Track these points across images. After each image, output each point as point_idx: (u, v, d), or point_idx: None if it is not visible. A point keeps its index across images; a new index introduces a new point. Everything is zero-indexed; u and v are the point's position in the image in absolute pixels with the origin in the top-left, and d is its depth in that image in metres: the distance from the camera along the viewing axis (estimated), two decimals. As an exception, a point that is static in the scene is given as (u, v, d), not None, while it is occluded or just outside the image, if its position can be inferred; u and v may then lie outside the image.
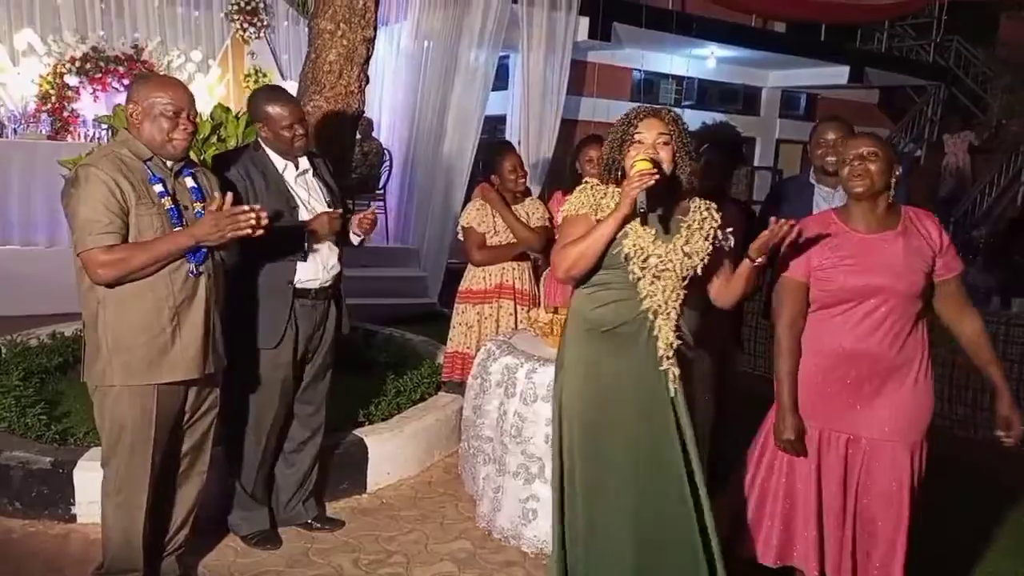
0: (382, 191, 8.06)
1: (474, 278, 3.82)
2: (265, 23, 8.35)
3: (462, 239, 3.83)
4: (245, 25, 8.20)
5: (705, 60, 11.34)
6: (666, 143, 2.20)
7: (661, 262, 2.17)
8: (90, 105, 7.01)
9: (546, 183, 7.62)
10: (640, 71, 11.27)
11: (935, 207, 12.08)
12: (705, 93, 12.24)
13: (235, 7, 8.13)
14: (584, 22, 8.61)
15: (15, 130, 6.69)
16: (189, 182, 2.39)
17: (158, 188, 2.29)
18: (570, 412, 2.28)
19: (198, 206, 2.37)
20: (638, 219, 2.17)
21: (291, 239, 2.73)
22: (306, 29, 4.54)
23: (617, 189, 2.24)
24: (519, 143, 7.64)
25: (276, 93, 2.88)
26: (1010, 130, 12.64)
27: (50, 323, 4.62)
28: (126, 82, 6.84)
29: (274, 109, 2.74)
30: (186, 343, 2.33)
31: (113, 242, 2.20)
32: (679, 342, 2.20)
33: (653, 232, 2.19)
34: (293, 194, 2.79)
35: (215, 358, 2.43)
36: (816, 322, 2.35)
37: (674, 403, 2.22)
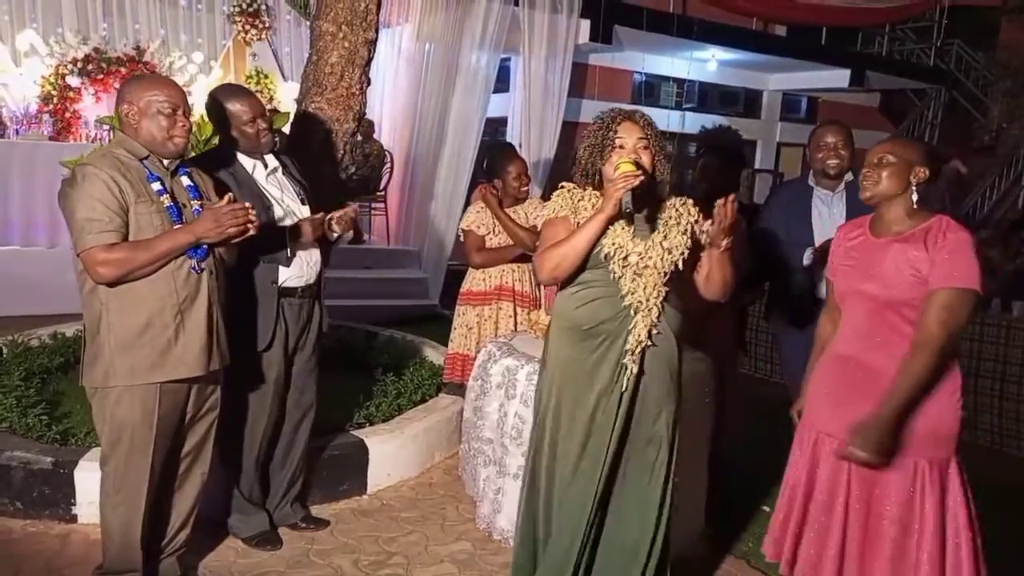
0: (383, 193, 8.07)
1: (474, 280, 3.82)
2: (267, 25, 8.36)
3: (462, 241, 3.84)
4: (247, 27, 8.21)
5: (706, 63, 11.35)
6: (645, 147, 2.23)
7: (641, 259, 2.21)
8: (92, 106, 7.03)
9: (547, 185, 7.62)
10: (641, 74, 11.27)
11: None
12: (706, 96, 12.24)
13: (237, 9, 8.14)
14: (585, 25, 8.61)
15: (17, 131, 6.71)
16: (185, 180, 2.40)
17: (156, 186, 2.30)
18: (547, 407, 2.32)
19: (196, 204, 2.38)
20: (620, 220, 2.21)
21: (272, 240, 2.72)
22: (308, 31, 4.55)
23: (595, 192, 2.28)
24: (520, 145, 7.65)
25: (233, 90, 2.87)
26: (1010, 133, 12.65)
27: (51, 323, 4.63)
28: (128, 83, 6.83)
29: (234, 106, 2.73)
30: (190, 340, 2.33)
31: (114, 240, 2.19)
32: (649, 342, 2.23)
33: (632, 230, 2.23)
34: (265, 193, 2.79)
35: (219, 355, 2.43)
36: (840, 324, 2.34)
37: (621, 399, 2.26)
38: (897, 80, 13.01)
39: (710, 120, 4.80)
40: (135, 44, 7.45)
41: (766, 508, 3.44)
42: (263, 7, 8.29)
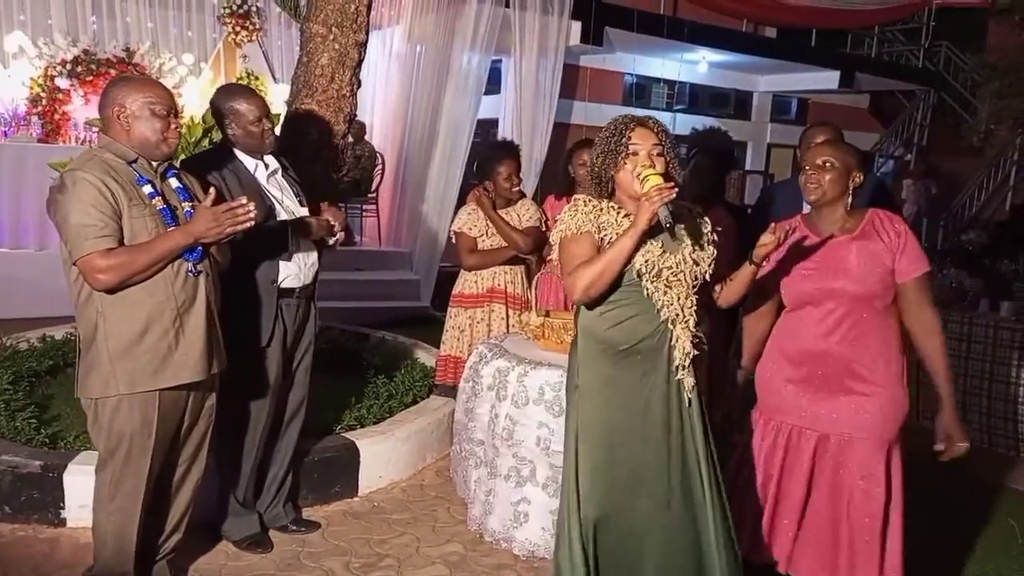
0: (375, 194, 8.07)
1: (466, 282, 3.82)
2: (257, 26, 8.32)
3: (454, 243, 3.84)
4: (237, 28, 8.17)
5: (696, 65, 11.38)
6: (659, 154, 2.20)
7: (672, 273, 2.18)
8: (81, 108, 6.99)
9: (538, 187, 7.64)
10: (632, 75, 11.30)
11: (928, 210, 12.17)
12: (696, 97, 12.27)
13: (227, 10, 8.11)
14: (576, 26, 8.62)
15: (5, 133, 6.67)
16: (174, 182, 2.38)
17: (147, 189, 2.27)
18: (592, 436, 2.23)
19: (187, 205, 2.35)
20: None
21: (274, 239, 2.72)
22: (298, 33, 4.54)
23: (612, 205, 2.24)
24: (511, 147, 7.65)
25: (241, 88, 2.89)
26: (999, 135, 12.72)
27: (40, 326, 4.61)
28: (117, 85, 6.80)
29: (242, 104, 2.72)
30: (190, 344, 2.30)
31: (111, 245, 2.15)
32: (695, 351, 2.21)
33: (661, 244, 2.19)
34: (267, 194, 2.78)
35: (218, 357, 2.42)
36: (788, 322, 2.47)
37: (691, 413, 2.23)
38: (886, 81, 13.08)
39: (701, 121, 4.81)
40: (125, 46, 7.41)
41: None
42: (253, 8, 8.27)
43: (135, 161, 2.28)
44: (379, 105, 8.41)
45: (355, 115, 4.02)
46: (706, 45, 10.55)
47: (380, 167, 8.10)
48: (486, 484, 3.06)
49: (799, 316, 2.42)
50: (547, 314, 3.38)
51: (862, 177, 2.40)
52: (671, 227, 2.16)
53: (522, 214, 3.78)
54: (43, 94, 6.86)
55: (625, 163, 2.19)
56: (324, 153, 3.73)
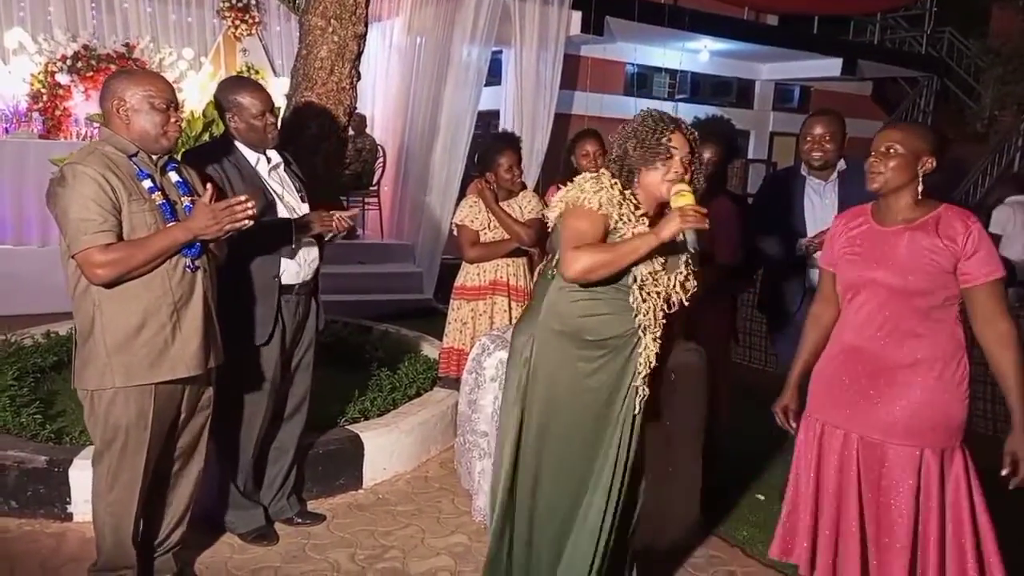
0: (376, 187, 8.06)
1: (468, 275, 3.82)
2: (257, 20, 8.32)
3: (456, 236, 3.83)
4: (237, 22, 8.17)
5: (698, 54, 11.34)
6: (690, 163, 2.19)
7: (660, 293, 2.20)
8: (82, 103, 7.00)
9: (540, 177, 7.62)
10: (633, 65, 11.26)
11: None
12: (698, 86, 12.23)
13: (227, 4, 8.11)
14: (576, 16, 8.59)
15: (6, 129, 6.68)
16: (174, 176, 2.37)
17: (147, 184, 2.26)
18: (538, 412, 2.26)
19: (186, 200, 2.35)
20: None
21: (276, 234, 2.71)
22: (298, 26, 4.52)
23: (631, 194, 2.21)
24: (513, 138, 7.64)
25: (245, 82, 2.87)
26: (1003, 120, 12.67)
27: (44, 322, 4.62)
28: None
29: (245, 98, 2.71)
30: (187, 339, 2.31)
31: (110, 240, 2.15)
32: (654, 362, 2.24)
33: (663, 262, 2.19)
34: (269, 189, 2.77)
35: (215, 352, 2.42)
36: (842, 313, 2.33)
37: (634, 421, 2.26)
38: (889, 68, 13.02)
39: (703, 111, 4.81)
40: (125, 41, 7.41)
41: (760, 496, 3.45)
42: (252, 2, 8.26)
43: (135, 155, 2.28)
44: (380, 98, 8.39)
45: (355, 108, 4.01)
46: (707, 33, 10.50)
47: (381, 160, 8.09)
48: (490, 475, 3.07)
49: (846, 307, 2.30)
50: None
51: (934, 162, 2.19)
52: (694, 252, 2.18)
53: (524, 206, 3.77)
54: (44, 90, 6.87)
55: (658, 164, 2.17)
56: (324, 146, 3.73)
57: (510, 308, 3.77)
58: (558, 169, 4.18)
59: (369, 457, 3.44)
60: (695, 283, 2.26)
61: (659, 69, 11.60)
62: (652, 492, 2.51)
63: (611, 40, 9.69)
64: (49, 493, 2.95)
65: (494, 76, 8.63)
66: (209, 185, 2.32)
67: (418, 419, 3.70)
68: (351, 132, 5.52)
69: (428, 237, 7.51)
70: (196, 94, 7.32)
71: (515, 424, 2.30)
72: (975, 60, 13.78)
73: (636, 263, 2.13)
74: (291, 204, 2.83)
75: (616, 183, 2.21)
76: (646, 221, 2.19)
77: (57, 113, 6.90)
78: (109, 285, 2.19)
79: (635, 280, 2.16)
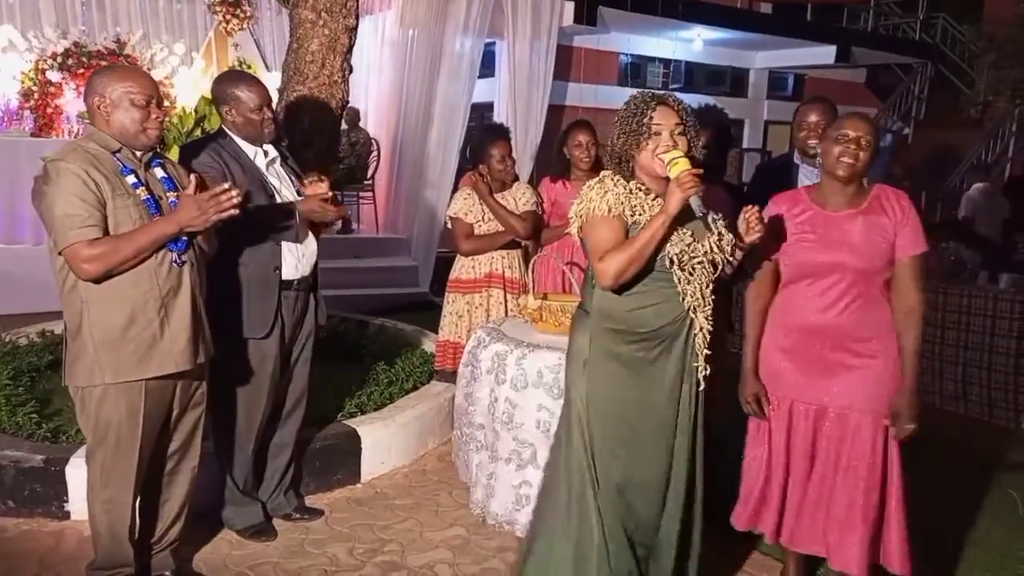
0: (370, 181, 8.04)
1: (463, 268, 3.81)
2: (248, 14, 8.28)
3: (450, 229, 3.82)
4: (228, 17, 8.13)
5: (692, 43, 11.32)
6: (681, 132, 2.17)
7: (699, 261, 2.17)
8: (73, 101, 6.96)
9: (534, 169, 7.61)
10: (627, 55, 11.24)
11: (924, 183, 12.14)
12: (692, 76, 12.22)
13: (217, -1, 8.07)
14: (569, 7, 8.57)
15: (-2, 128, 6.65)
16: (159, 172, 2.36)
17: (131, 179, 2.25)
18: (600, 409, 2.23)
19: (171, 196, 2.33)
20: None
21: (276, 225, 2.70)
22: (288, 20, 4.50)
23: (638, 184, 2.20)
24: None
25: (243, 76, 2.86)
26: (997, 106, 12.67)
27: (39, 321, 4.61)
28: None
29: (243, 92, 2.70)
30: (175, 334, 2.30)
31: (96, 235, 2.15)
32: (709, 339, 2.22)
33: (691, 232, 2.17)
34: (267, 183, 2.77)
35: (204, 347, 2.41)
36: (785, 296, 2.45)
37: (699, 400, 2.25)
38: (883, 55, 13.02)
39: (697, 100, 4.78)
40: (115, 37, 7.37)
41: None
42: (243, -4, 8.22)
43: (119, 151, 2.27)
44: (373, 91, 8.37)
45: (348, 101, 4.00)
46: (701, 22, 10.49)
47: (375, 153, 8.07)
48: (487, 468, 3.07)
49: (797, 290, 2.40)
50: (544, 297, 3.38)
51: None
52: (704, 215, 2.14)
53: (518, 198, 3.76)
54: (35, 88, 6.83)
55: (647, 144, 2.15)
56: (317, 140, 3.72)
57: (505, 300, 3.77)
58: (552, 160, 4.16)
59: (367, 451, 3.45)
60: (731, 237, 2.23)
61: (653, 59, 11.59)
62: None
63: (604, 30, 9.67)
64: (46, 492, 2.95)
65: (487, 68, 8.60)
66: (193, 176, 2.31)
67: (415, 413, 3.70)
68: (344, 126, 5.52)
69: (423, 230, 7.50)
70: (188, 89, 7.29)
71: (579, 429, 2.26)
72: (969, 46, 13.78)
73: (662, 245, 2.13)
74: (288, 198, 2.82)
75: (618, 180, 2.21)
76: (660, 202, 2.16)
77: (48, 111, 6.88)
78: (97, 280, 2.19)
79: (672, 262, 2.14)
